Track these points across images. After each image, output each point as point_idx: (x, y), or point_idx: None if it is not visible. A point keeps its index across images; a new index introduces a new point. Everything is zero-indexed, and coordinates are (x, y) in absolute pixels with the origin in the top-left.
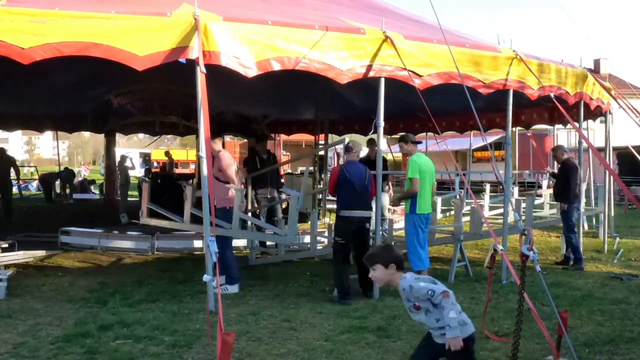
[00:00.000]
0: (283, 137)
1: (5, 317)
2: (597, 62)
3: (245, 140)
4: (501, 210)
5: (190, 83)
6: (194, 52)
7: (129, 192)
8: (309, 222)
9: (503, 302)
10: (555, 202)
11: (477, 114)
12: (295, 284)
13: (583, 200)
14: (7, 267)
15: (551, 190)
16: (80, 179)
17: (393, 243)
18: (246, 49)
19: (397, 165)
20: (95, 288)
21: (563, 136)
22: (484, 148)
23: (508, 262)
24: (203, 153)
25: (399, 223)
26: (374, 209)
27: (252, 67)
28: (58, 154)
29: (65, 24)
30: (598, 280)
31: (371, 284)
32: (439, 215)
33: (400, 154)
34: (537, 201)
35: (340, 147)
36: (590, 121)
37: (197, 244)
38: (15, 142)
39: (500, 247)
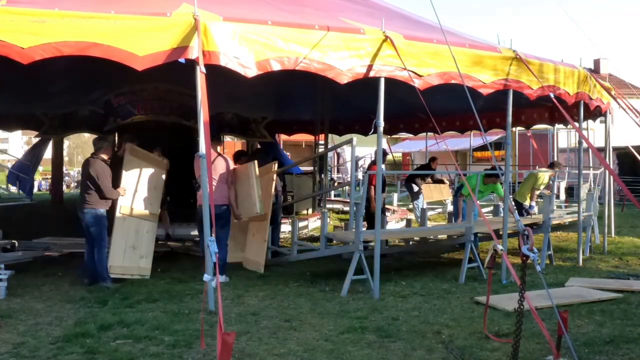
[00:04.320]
0: (283, 137)
1: (5, 317)
2: (597, 62)
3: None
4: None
5: (190, 83)
6: (194, 52)
7: None
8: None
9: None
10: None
11: (477, 114)
12: (295, 284)
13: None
14: (7, 267)
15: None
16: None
17: None
18: (246, 49)
19: (397, 165)
20: (95, 288)
21: (563, 136)
22: (484, 148)
23: (508, 262)
24: (203, 153)
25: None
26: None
27: (251, 67)
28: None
29: (65, 24)
30: None
31: None
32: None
33: (400, 154)
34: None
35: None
36: (590, 121)
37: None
38: (15, 142)
39: (500, 247)
